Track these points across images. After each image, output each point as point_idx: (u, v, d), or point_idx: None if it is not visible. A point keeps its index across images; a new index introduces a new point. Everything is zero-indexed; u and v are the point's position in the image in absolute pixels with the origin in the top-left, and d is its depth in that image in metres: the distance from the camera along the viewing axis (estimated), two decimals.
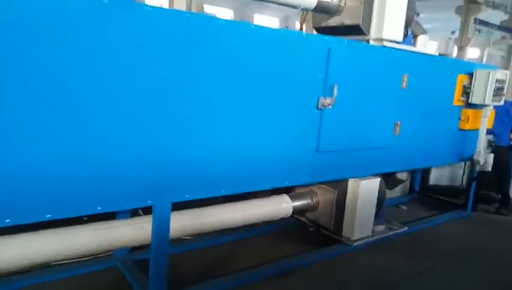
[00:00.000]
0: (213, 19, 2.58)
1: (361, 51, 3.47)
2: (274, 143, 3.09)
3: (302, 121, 3.22)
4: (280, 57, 2.96)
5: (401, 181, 4.98)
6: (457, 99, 4.59)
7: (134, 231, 2.66)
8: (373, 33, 3.68)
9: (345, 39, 3.38)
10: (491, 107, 4.65)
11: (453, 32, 20.04)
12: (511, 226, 5.22)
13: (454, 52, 16.40)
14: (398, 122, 3.95)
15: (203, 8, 14.91)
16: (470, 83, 4.59)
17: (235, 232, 3.88)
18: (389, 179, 4.80)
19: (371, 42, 3.71)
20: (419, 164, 4.48)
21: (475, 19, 15.64)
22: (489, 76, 4.43)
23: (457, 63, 4.61)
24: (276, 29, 2.95)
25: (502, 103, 4.72)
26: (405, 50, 3.84)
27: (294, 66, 3.06)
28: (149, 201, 2.50)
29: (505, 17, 18.27)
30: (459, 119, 4.72)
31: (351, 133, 3.58)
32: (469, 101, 4.63)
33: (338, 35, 3.60)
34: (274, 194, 3.78)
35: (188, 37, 2.47)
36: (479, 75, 4.51)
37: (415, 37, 4.56)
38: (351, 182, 3.90)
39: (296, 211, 3.92)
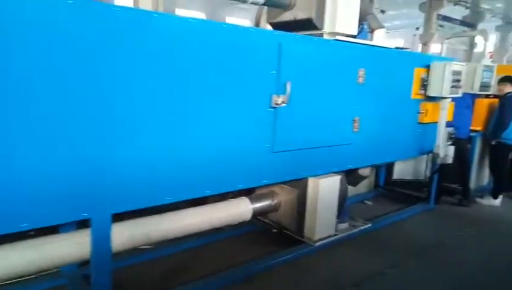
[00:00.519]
0: (143, 12, 2.39)
1: (314, 45, 3.35)
2: (224, 145, 2.93)
3: (255, 120, 3.07)
4: (226, 53, 2.80)
5: (363, 177, 4.91)
6: (415, 92, 4.57)
7: (71, 246, 2.44)
8: (327, 27, 3.58)
9: (297, 34, 3.25)
10: (449, 100, 4.65)
11: (417, 29, 20.56)
12: (471, 218, 5.26)
13: (420, 49, 16.84)
14: (357, 118, 3.87)
15: (174, 11, 14.57)
16: (427, 75, 4.57)
17: (198, 237, 3.70)
18: (351, 176, 4.73)
19: (325, 37, 3.60)
20: (380, 159, 4.43)
21: (438, 14, 16.13)
22: (445, 68, 4.42)
23: (414, 56, 4.59)
24: (219, 23, 2.79)
25: (459, 94, 4.74)
26: (360, 44, 3.76)
27: (243, 62, 2.91)
28: (85, 214, 2.29)
29: (466, 12, 18.98)
30: (418, 112, 4.70)
31: (308, 132, 3.46)
32: (427, 94, 4.62)
33: (293, 31, 3.48)
34: (235, 196, 3.63)
35: (110, 33, 2.25)
36: (435, 67, 4.50)
37: (372, 31, 4.50)
38: (311, 181, 3.79)
39: (257, 214, 3.77)
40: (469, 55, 20.02)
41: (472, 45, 20.37)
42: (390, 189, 6.10)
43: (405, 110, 4.51)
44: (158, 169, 2.56)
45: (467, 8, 18.56)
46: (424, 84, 4.58)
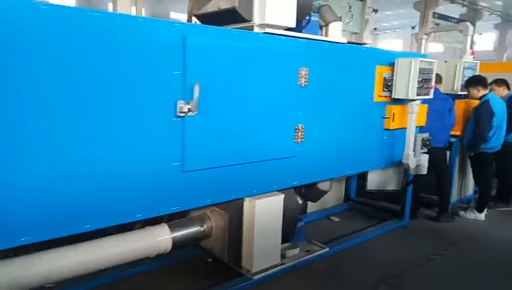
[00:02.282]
0: None
1: (234, 39, 2.74)
2: (115, 167, 2.32)
3: (155, 134, 2.47)
4: (110, 48, 2.20)
5: (324, 192, 4.29)
6: (378, 94, 3.95)
7: None
8: (256, 18, 2.98)
9: (210, 26, 2.65)
10: (418, 102, 4.03)
11: (413, 28, 20.17)
12: (450, 236, 4.62)
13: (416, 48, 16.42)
14: (300, 127, 3.26)
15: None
16: (392, 74, 3.96)
17: (112, 271, 3.08)
18: (311, 190, 4.13)
19: (256, 29, 3.00)
20: (337, 172, 3.80)
21: (434, 13, 15.81)
22: (411, 65, 3.80)
23: (375, 52, 3.97)
24: (98, 11, 2.18)
25: (430, 96, 4.11)
26: (300, 38, 3.15)
27: (132, 61, 2.30)
28: None
29: (463, 10, 18.50)
30: (383, 117, 4.07)
31: (233, 145, 2.85)
32: (392, 96, 4.00)
33: (221, 24, 2.89)
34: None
35: None
36: (401, 65, 3.89)
37: (326, 25, 3.88)
38: (247, 203, 3.18)
39: (180, 243, 3.16)
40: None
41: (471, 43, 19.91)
42: (363, 202, 5.48)
43: (366, 115, 3.89)
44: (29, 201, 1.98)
45: (464, 6, 18.11)
46: (388, 85, 3.96)
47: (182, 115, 2.51)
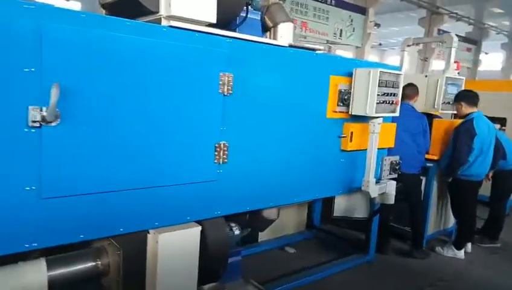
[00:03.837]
0: None
1: (119, 31, 2.15)
2: None
3: None
4: None
5: (270, 220, 3.68)
6: (332, 109, 3.35)
7: None
8: (163, 9, 2.41)
9: (81, 12, 2.07)
10: (380, 120, 3.42)
11: (416, 44, 19.82)
12: (421, 278, 3.96)
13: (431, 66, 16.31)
14: (222, 144, 2.66)
15: None
16: (350, 86, 3.36)
17: None
18: (256, 219, 3.53)
19: (164, 23, 2.43)
20: (279, 199, 3.18)
21: (438, 29, 15.66)
22: (369, 77, 3.20)
23: (329, 59, 3.37)
24: None
25: (395, 113, 3.50)
26: (222, 37, 2.58)
27: None
28: None
29: (470, 28, 18.23)
30: (340, 137, 3.47)
31: (124, 164, 2.26)
32: (349, 112, 3.40)
33: (130, 17, 2.33)
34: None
35: None
36: (359, 75, 3.29)
37: (274, 25, 3.31)
38: (150, 237, 2.57)
39: (64, 283, 2.54)
40: (473, 72, 19.03)
41: (476, 62, 19.37)
42: (327, 230, 4.84)
43: (317, 134, 3.29)
44: None
45: (470, 24, 17.76)
46: (345, 99, 3.36)
47: (36, 125, 1.93)
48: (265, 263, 3.98)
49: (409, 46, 5.56)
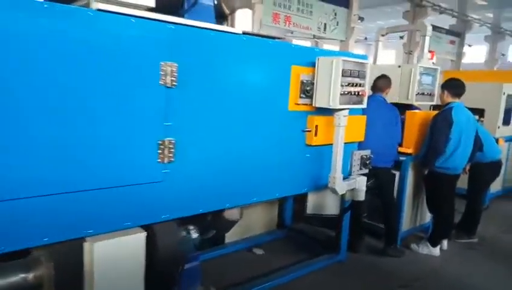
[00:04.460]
0: None
1: (31, 14, 1.87)
2: None
3: None
4: None
5: (233, 221, 3.46)
6: (295, 102, 3.12)
7: None
8: None
9: None
10: (346, 113, 3.20)
11: (401, 38, 19.93)
12: (393, 278, 3.78)
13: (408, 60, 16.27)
14: (167, 142, 2.42)
15: None
16: (313, 77, 3.14)
17: None
18: (217, 220, 3.32)
19: (93, 6, 2.16)
20: (232, 200, 2.94)
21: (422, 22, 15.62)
22: (332, 66, 2.98)
23: (289, 48, 3.13)
24: None
25: (362, 105, 3.29)
26: (163, 22, 2.32)
27: None
28: None
29: (453, 21, 18.27)
30: (304, 131, 3.25)
31: (43, 164, 2.00)
32: (313, 104, 3.17)
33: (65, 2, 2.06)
34: None
35: None
36: (322, 65, 3.07)
37: (232, 12, 3.06)
38: (86, 246, 2.32)
39: None
40: (457, 65, 19.08)
41: (460, 54, 19.40)
42: (299, 229, 4.63)
43: (277, 127, 3.06)
44: None
45: (454, 16, 17.78)
46: (307, 90, 3.13)
47: None
48: (231, 266, 3.76)
49: (383, 35, 5.35)
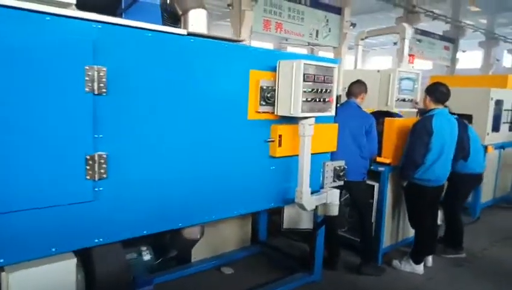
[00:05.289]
0: None
1: None
2: None
3: None
4: None
5: (193, 240, 3.16)
6: (255, 110, 2.85)
7: None
8: None
9: None
10: (311, 121, 2.92)
11: (395, 43, 19.81)
12: None
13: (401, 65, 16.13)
14: (97, 156, 2.13)
15: None
16: (274, 83, 2.86)
17: None
18: (176, 239, 3.06)
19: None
20: (182, 220, 2.63)
21: (416, 29, 15.57)
22: (293, 70, 2.71)
23: (247, 51, 2.86)
24: None
25: (330, 113, 3.01)
26: (87, 21, 2.05)
27: None
28: None
29: (447, 27, 18.22)
30: (267, 141, 2.97)
31: None
32: (275, 112, 2.90)
33: None
34: None
35: None
36: (283, 69, 2.79)
37: (184, 13, 2.80)
38: (3, 277, 2.03)
39: None
40: (452, 71, 18.94)
41: (454, 60, 19.26)
42: (274, 245, 4.33)
43: (235, 138, 2.79)
44: None
45: (447, 22, 17.68)
46: (268, 97, 2.86)
47: None
48: (195, 288, 3.46)
49: (362, 39, 5.10)
